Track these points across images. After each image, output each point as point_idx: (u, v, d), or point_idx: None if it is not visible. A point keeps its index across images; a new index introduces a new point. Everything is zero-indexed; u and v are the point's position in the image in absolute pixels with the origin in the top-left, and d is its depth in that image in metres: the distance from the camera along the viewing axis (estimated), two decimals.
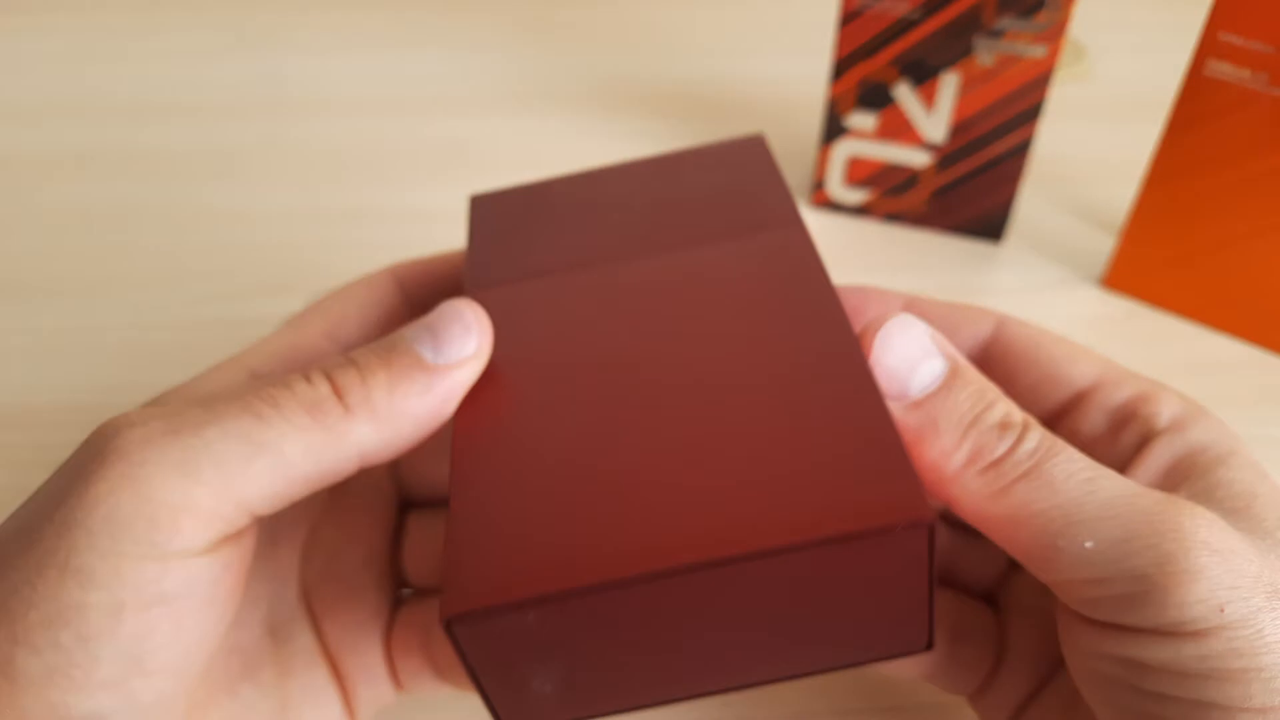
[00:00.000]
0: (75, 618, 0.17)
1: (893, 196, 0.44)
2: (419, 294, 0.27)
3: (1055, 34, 0.38)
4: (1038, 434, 0.20)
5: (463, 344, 0.21)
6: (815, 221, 0.45)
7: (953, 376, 0.20)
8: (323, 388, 0.20)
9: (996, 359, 0.24)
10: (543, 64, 0.54)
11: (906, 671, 0.25)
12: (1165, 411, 0.22)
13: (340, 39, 0.55)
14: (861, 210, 0.45)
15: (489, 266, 0.25)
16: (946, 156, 0.42)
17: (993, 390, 0.21)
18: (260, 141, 0.48)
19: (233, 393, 0.20)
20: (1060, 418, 0.23)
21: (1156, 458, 0.21)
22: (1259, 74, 0.35)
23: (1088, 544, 0.18)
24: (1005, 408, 0.20)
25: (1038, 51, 0.39)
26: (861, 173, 0.44)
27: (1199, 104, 0.36)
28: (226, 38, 0.55)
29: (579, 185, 0.27)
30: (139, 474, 0.18)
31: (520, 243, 0.25)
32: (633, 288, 0.22)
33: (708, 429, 0.18)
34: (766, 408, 0.18)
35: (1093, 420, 0.23)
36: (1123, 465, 0.22)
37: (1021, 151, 0.41)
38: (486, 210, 0.27)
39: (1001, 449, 0.20)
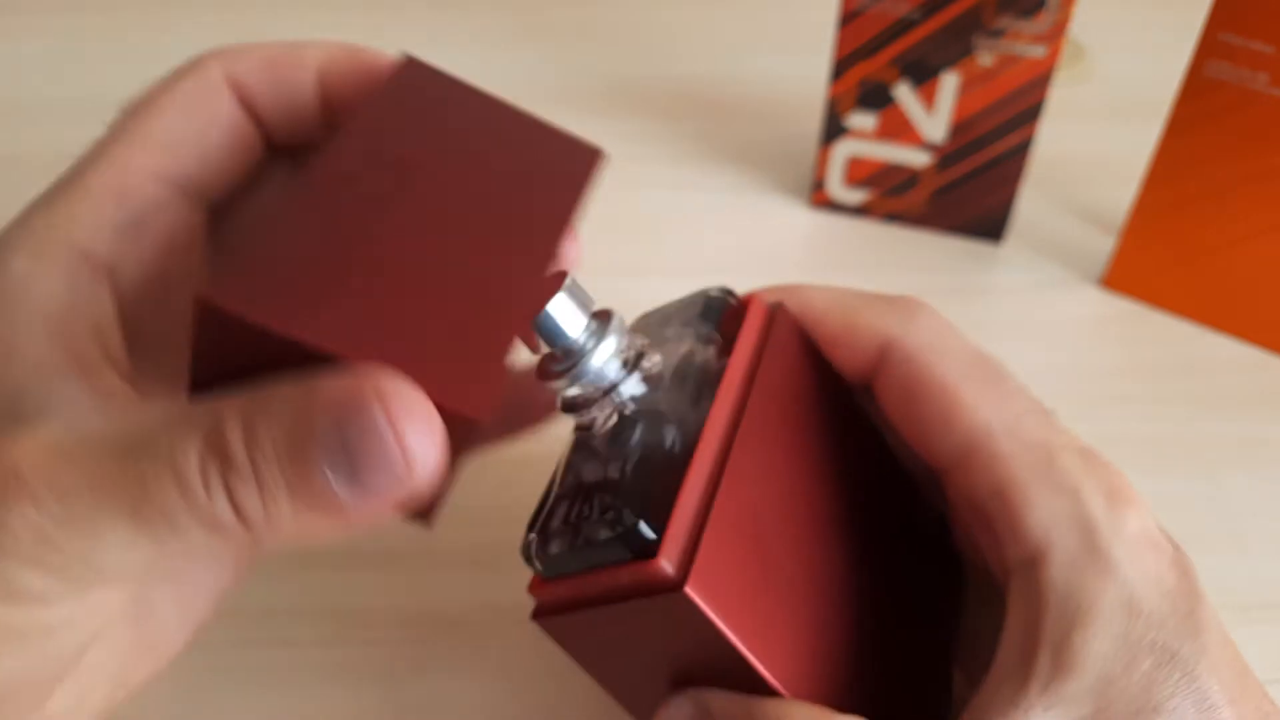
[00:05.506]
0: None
1: (893, 196, 0.44)
2: (266, 101, 0.24)
3: (1055, 34, 0.38)
4: None
5: (387, 473, 0.16)
6: (815, 221, 0.45)
7: None
8: (220, 502, 0.16)
9: (879, 393, 0.24)
10: (542, 64, 0.54)
11: None
12: (1017, 540, 0.21)
13: (340, 39, 0.55)
14: (861, 210, 0.45)
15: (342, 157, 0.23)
16: (946, 156, 0.42)
17: None
18: None
19: (113, 470, 0.17)
20: (938, 477, 0.24)
21: (1012, 620, 0.21)
22: (1259, 74, 0.35)
23: None
24: None
25: (1038, 51, 0.39)
26: (861, 173, 0.44)
27: (1199, 104, 0.36)
28: (226, 38, 0.55)
29: (446, 110, 0.26)
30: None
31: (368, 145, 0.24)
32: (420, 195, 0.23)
33: (430, 264, 0.21)
34: (468, 271, 0.22)
35: (955, 495, 0.23)
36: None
37: (1021, 151, 0.41)
38: (404, 84, 0.25)
39: None
